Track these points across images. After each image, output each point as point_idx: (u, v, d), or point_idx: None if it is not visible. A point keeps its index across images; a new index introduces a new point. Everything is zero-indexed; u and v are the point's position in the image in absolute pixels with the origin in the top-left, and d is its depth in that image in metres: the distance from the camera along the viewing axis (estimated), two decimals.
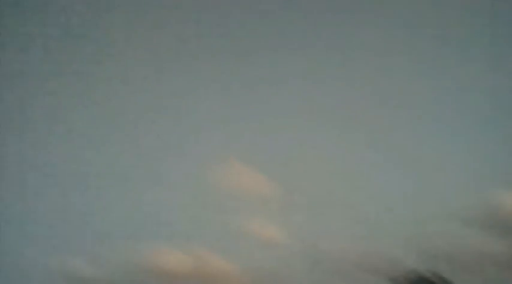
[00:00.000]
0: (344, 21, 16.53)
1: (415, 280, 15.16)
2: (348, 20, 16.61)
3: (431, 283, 14.84)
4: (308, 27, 17.54)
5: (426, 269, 16.14)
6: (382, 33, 16.27)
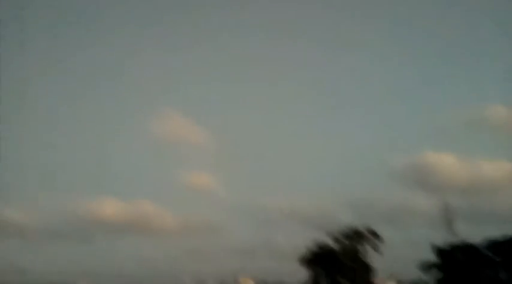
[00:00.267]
0: None
1: (349, 233, 15.70)
2: None
3: (363, 237, 15.44)
4: None
5: (359, 223, 16.59)
6: None
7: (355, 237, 16.39)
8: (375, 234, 16.50)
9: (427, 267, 15.69)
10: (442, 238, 16.24)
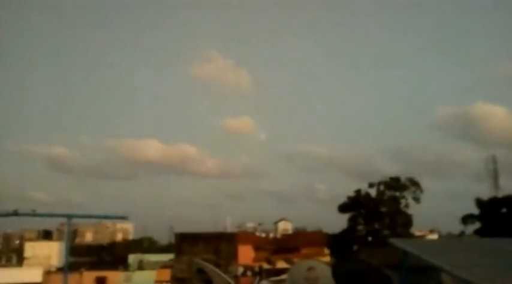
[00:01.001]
0: None
1: (390, 182, 15.54)
2: None
3: (404, 187, 15.23)
4: None
5: (401, 173, 16.30)
6: None
7: (396, 187, 16.20)
8: (416, 185, 16.26)
9: (468, 220, 15.46)
10: (486, 192, 15.92)
